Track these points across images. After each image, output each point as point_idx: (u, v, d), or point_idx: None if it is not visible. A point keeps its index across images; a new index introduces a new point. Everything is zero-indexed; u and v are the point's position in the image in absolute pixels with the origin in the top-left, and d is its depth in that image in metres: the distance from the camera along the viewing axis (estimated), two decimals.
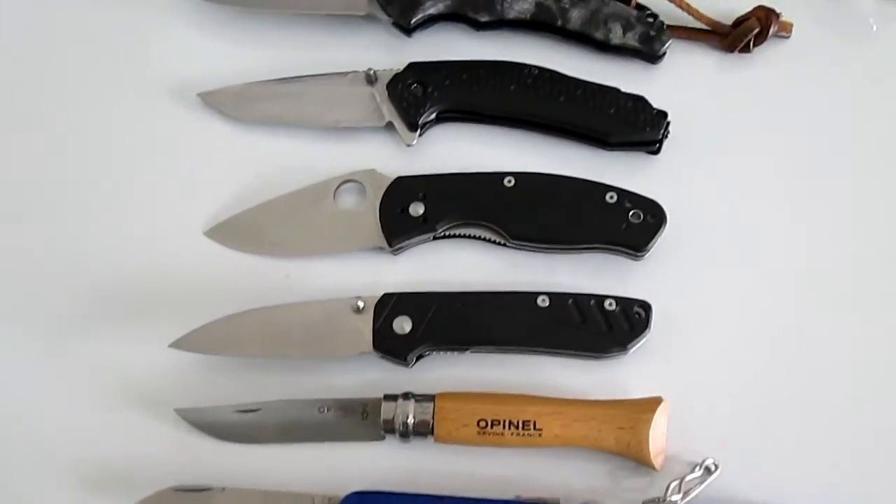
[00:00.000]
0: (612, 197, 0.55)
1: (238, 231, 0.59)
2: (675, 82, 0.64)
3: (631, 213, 0.55)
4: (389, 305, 0.53)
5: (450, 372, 0.55)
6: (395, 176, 0.58)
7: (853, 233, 0.59)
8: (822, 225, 0.59)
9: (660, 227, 0.55)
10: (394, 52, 0.65)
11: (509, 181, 0.57)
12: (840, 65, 0.65)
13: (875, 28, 0.67)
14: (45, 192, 0.62)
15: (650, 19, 0.63)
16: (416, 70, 0.61)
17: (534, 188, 0.56)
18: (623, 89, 0.61)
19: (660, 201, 0.57)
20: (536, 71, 0.61)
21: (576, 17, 0.63)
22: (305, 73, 0.64)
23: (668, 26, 0.64)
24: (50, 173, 0.62)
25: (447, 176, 0.58)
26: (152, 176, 0.62)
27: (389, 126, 0.61)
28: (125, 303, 0.58)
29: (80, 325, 0.58)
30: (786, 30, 0.64)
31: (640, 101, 0.59)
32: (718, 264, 0.58)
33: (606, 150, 0.60)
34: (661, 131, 0.58)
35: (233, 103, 0.62)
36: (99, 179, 0.62)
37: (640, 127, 0.58)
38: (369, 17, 0.64)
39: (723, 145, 0.62)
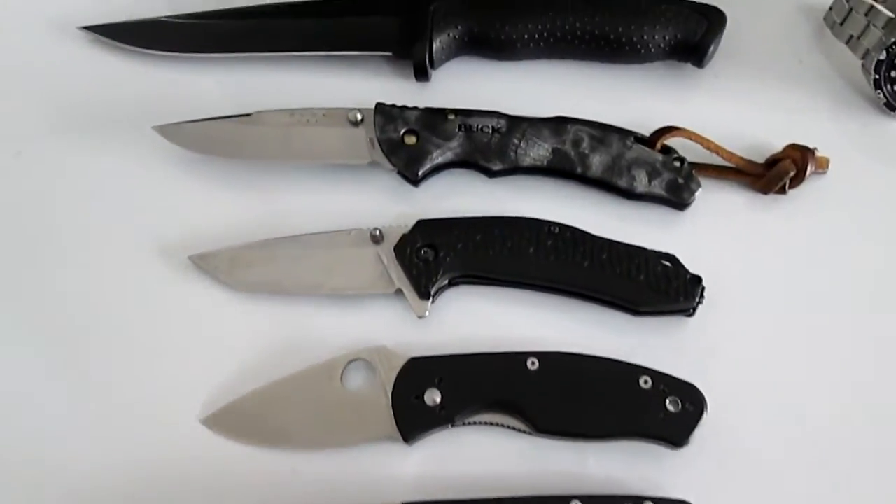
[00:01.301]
0: (646, 381, 0.51)
1: (237, 419, 0.54)
2: (704, 227, 0.59)
3: (668, 400, 0.50)
4: None
5: None
6: (407, 354, 0.53)
7: None
8: (878, 382, 0.55)
9: (700, 417, 0.50)
10: (400, 199, 0.61)
11: (533, 363, 0.52)
12: (881, 196, 0.61)
13: None
14: (30, 371, 0.56)
15: (677, 163, 0.58)
16: (425, 230, 0.56)
17: (560, 371, 0.52)
18: (648, 236, 0.57)
19: (696, 369, 0.53)
20: (557, 229, 0.56)
21: (596, 163, 0.58)
22: (304, 226, 0.58)
23: (696, 165, 0.59)
24: (20, 346, 0.57)
25: (465, 358, 0.53)
26: (142, 353, 0.57)
27: (399, 292, 0.56)
28: (115, 501, 0.52)
29: None
30: (822, 166, 0.60)
31: (671, 264, 0.54)
32: (765, 444, 0.53)
33: (636, 316, 0.55)
34: (696, 299, 0.53)
35: (227, 268, 0.57)
36: (79, 356, 0.57)
37: (672, 296, 0.53)
38: (373, 164, 0.59)
39: (762, 297, 0.57)
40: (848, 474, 0.52)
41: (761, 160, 0.60)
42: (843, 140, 0.62)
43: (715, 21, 0.61)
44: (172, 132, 0.60)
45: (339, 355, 0.54)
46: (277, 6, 0.66)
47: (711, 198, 0.59)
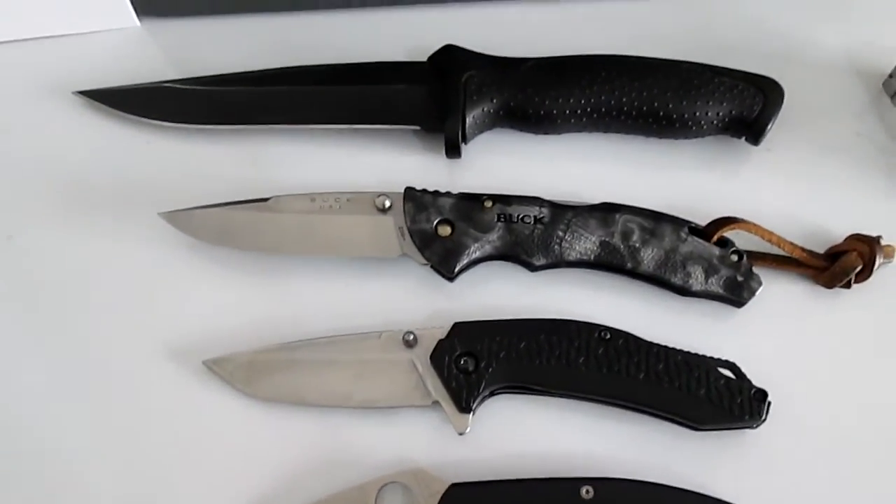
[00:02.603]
0: None
1: None
2: (764, 324, 0.55)
3: None
4: None
5: None
6: (447, 478, 0.49)
7: None
8: None
9: None
10: (434, 292, 0.56)
11: (588, 492, 0.47)
12: None
13: None
14: (26, 483, 0.51)
15: (735, 257, 0.53)
16: (464, 335, 0.51)
17: (617, 501, 0.47)
18: (702, 333, 0.53)
19: (760, 485, 0.49)
20: (608, 335, 0.51)
21: (648, 258, 0.53)
22: (328, 324, 0.53)
23: (753, 254, 0.55)
24: (18, 457, 0.52)
25: (512, 485, 0.48)
26: (153, 471, 0.52)
27: (436, 403, 0.51)
28: None
29: None
30: (889, 256, 0.55)
31: (734, 377, 0.50)
32: None
33: (695, 431, 0.50)
34: (761, 417, 0.49)
35: (244, 376, 0.52)
36: (84, 471, 0.52)
37: (736, 413, 0.49)
38: (404, 256, 0.54)
39: (827, 403, 0.53)
40: None
41: (820, 247, 0.56)
42: None
43: (772, 96, 0.56)
44: (181, 220, 0.55)
45: (373, 479, 0.50)
46: (293, 72, 0.61)
47: (770, 291, 0.55)
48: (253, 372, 0.52)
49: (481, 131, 0.59)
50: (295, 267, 0.56)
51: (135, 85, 0.61)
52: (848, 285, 0.55)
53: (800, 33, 0.64)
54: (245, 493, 0.51)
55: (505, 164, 0.60)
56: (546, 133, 0.59)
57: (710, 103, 0.56)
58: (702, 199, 0.57)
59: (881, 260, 0.54)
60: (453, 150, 0.58)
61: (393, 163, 0.59)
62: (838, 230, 0.57)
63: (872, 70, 0.62)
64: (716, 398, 0.49)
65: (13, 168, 0.60)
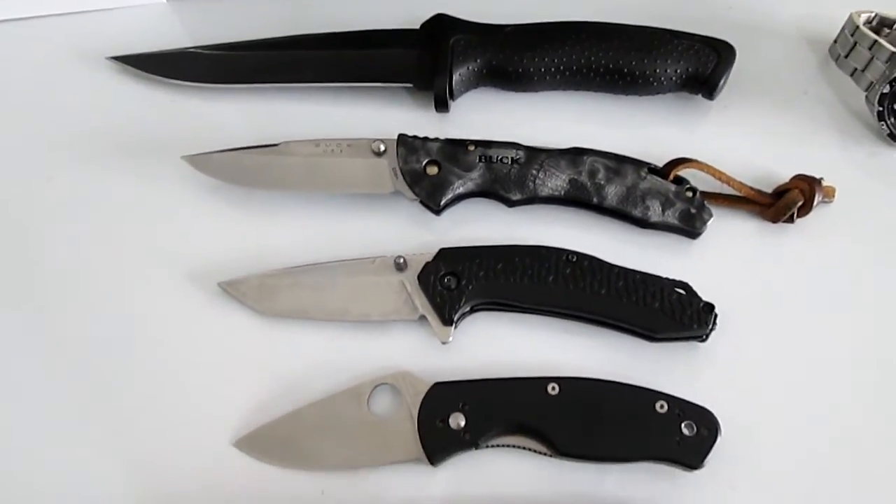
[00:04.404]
0: (662, 406, 0.53)
1: (268, 442, 0.56)
2: (715, 254, 0.62)
3: (683, 424, 0.52)
4: None
5: None
6: (431, 379, 0.55)
7: None
8: (887, 407, 0.57)
9: (714, 440, 0.52)
10: (422, 226, 0.63)
11: (553, 388, 0.54)
12: (886, 224, 0.63)
13: None
14: (53, 392, 0.59)
15: (689, 194, 0.60)
16: (448, 258, 0.58)
17: (579, 396, 0.54)
18: (661, 263, 0.60)
19: (709, 393, 0.55)
20: (575, 258, 0.58)
21: (612, 194, 0.60)
22: (329, 252, 0.60)
23: (707, 194, 0.61)
24: (55, 373, 0.59)
25: (487, 383, 0.55)
26: (174, 377, 0.59)
27: (422, 318, 0.58)
28: None
29: None
30: (829, 195, 0.62)
31: (685, 293, 0.56)
32: (779, 466, 0.55)
33: (651, 342, 0.57)
34: (709, 326, 0.55)
35: (255, 295, 0.59)
36: (114, 383, 0.59)
37: (686, 323, 0.56)
38: (396, 194, 0.61)
39: (772, 323, 0.59)
40: (862, 496, 0.54)
41: (770, 190, 0.62)
42: (848, 169, 0.64)
43: (725, 55, 0.63)
44: (201, 162, 0.62)
45: (366, 380, 0.56)
46: (301, 38, 0.68)
47: (722, 226, 0.62)
48: (262, 292, 0.59)
49: (467, 89, 0.66)
50: (300, 204, 0.63)
51: (161, 51, 0.69)
52: (791, 220, 0.61)
53: (754, 4, 0.71)
54: (256, 395, 0.58)
55: (488, 119, 0.67)
56: (524, 91, 0.67)
57: (669, 62, 0.63)
58: (665, 151, 0.64)
59: (820, 198, 0.61)
60: (442, 105, 0.65)
61: (388, 117, 0.67)
62: (786, 176, 0.63)
63: (820, 37, 0.70)
64: (669, 311, 0.56)
65: (54, 122, 0.68)
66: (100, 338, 0.60)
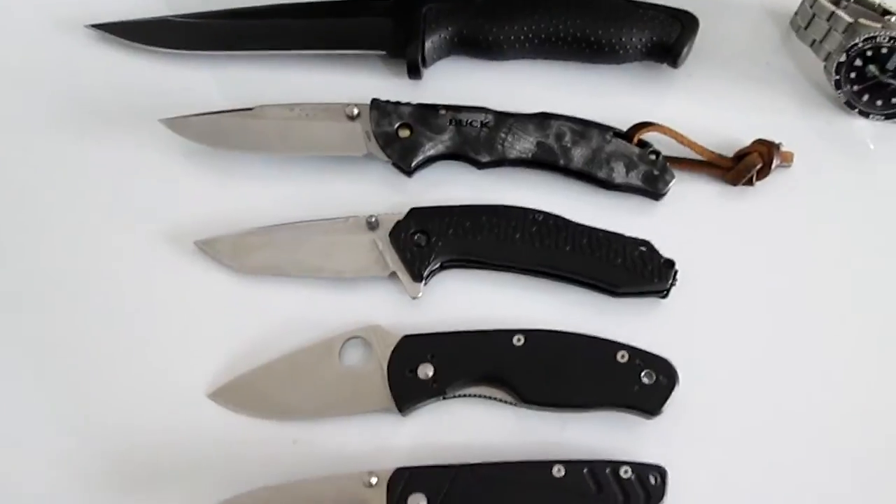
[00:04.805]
0: (623, 356, 0.55)
1: (242, 393, 0.57)
2: (678, 216, 0.63)
3: (643, 373, 0.55)
4: (403, 482, 0.52)
5: None
6: (401, 332, 0.57)
7: (870, 366, 0.59)
8: (836, 361, 0.60)
9: (672, 388, 0.54)
10: (394, 189, 0.64)
11: (518, 340, 0.56)
12: (841, 188, 0.65)
13: (872, 147, 0.67)
14: (35, 348, 0.60)
15: (653, 157, 0.62)
16: (418, 217, 0.60)
17: (543, 347, 0.56)
18: (626, 224, 0.61)
19: (670, 346, 0.57)
20: (541, 217, 0.60)
21: (578, 156, 0.62)
22: (304, 214, 0.62)
23: (670, 158, 0.64)
24: (35, 332, 0.61)
25: (455, 335, 0.57)
26: (151, 332, 0.60)
27: (393, 275, 0.59)
28: (127, 475, 0.56)
29: (80, 500, 0.55)
30: (787, 160, 0.64)
31: (647, 249, 0.59)
32: (734, 415, 0.57)
33: (614, 297, 0.59)
34: (669, 281, 0.58)
35: (230, 253, 0.61)
36: (94, 337, 0.60)
37: (647, 277, 0.58)
38: (369, 157, 0.63)
39: (731, 281, 0.61)
40: (817, 444, 0.57)
41: (731, 155, 0.65)
42: (807, 136, 0.66)
43: (688, 25, 0.65)
44: (179, 125, 0.63)
45: (338, 334, 0.58)
46: (276, 7, 0.70)
47: (684, 189, 0.64)
48: (237, 250, 0.61)
49: (439, 57, 0.68)
50: (275, 167, 0.65)
51: (139, 19, 0.70)
52: (751, 182, 0.64)
53: None
54: (231, 350, 0.59)
55: (459, 86, 0.69)
56: (495, 59, 0.68)
57: (634, 30, 0.65)
58: (631, 118, 0.65)
59: (778, 161, 0.64)
60: (414, 72, 0.67)
61: (361, 85, 0.68)
62: (746, 142, 0.65)
63: (781, 9, 0.72)
64: (630, 266, 0.58)
65: (34, 89, 0.69)
66: (78, 295, 0.61)
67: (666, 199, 0.63)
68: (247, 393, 0.57)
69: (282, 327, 0.60)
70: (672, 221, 0.63)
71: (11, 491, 0.56)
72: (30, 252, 0.63)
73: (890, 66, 0.63)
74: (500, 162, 0.63)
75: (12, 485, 0.56)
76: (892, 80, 0.64)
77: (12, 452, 0.57)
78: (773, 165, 0.63)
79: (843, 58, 0.65)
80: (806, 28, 0.68)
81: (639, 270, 0.58)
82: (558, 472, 0.52)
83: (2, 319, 0.61)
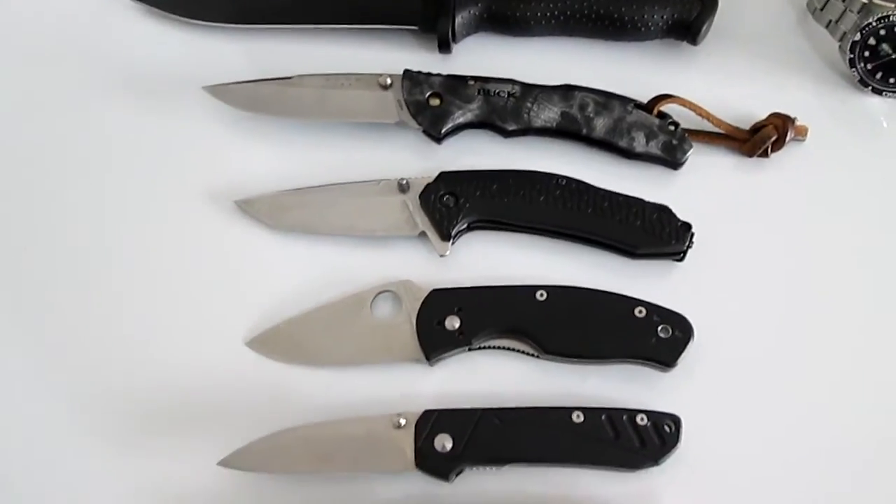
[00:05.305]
0: (640, 311, 0.58)
1: (278, 342, 0.60)
2: (696, 186, 0.66)
3: (659, 327, 0.57)
4: (430, 423, 0.55)
5: (489, 486, 0.57)
6: (429, 287, 0.60)
7: (879, 332, 0.62)
8: (849, 325, 0.62)
9: (687, 342, 0.57)
10: (424, 157, 0.67)
11: (541, 295, 0.59)
12: (854, 163, 0.68)
13: (885, 125, 0.69)
14: (82, 304, 0.64)
15: (672, 127, 0.65)
16: (447, 180, 0.63)
17: (565, 302, 0.59)
18: (645, 193, 0.64)
19: (685, 307, 0.59)
20: (564, 182, 0.63)
21: (600, 125, 0.65)
22: (338, 179, 0.65)
23: (688, 131, 0.66)
24: (86, 283, 0.64)
25: (481, 289, 0.60)
26: (193, 286, 0.63)
27: (422, 235, 0.63)
28: (169, 417, 0.59)
29: (124, 442, 0.59)
30: (801, 134, 0.67)
31: (665, 213, 0.61)
32: (745, 371, 0.60)
33: (633, 259, 0.62)
34: (686, 243, 0.60)
35: (268, 211, 0.64)
36: (143, 287, 0.64)
37: (665, 239, 0.60)
38: (400, 124, 0.66)
39: (745, 248, 0.64)
40: (821, 400, 0.60)
41: (747, 128, 0.67)
42: (822, 113, 0.69)
43: (708, 4, 0.68)
44: (221, 92, 0.67)
45: (369, 288, 0.61)
46: None
47: (701, 160, 0.66)
48: (275, 209, 0.64)
49: (468, 33, 0.71)
50: (311, 132, 0.68)
51: None
52: (766, 154, 0.66)
53: None
54: (268, 302, 0.62)
55: (487, 61, 0.72)
56: (521, 36, 0.72)
57: (656, 8, 0.68)
58: (651, 92, 0.68)
59: (793, 135, 0.66)
60: (445, 46, 0.70)
61: (393, 59, 0.71)
62: (762, 116, 0.68)
63: None
64: (649, 228, 0.61)
65: (83, 60, 0.73)
66: (128, 249, 0.65)
67: (684, 168, 0.66)
68: (283, 341, 0.60)
69: (316, 282, 0.63)
70: (689, 190, 0.66)
71: (60, 430, 0.60)
72: (85, 211, 0.66)
73: None
74: (526, 130, 0.66)
75: (58, 423, 0.60)
76: None
77: (66, 391, 0.61)
78: (788, 138, 0.65)
79: (857, 36, 0.67)
80: (822, 9, 0.71)
81: (657, 232, 0.60)
82: (577, 417, 0.55)
83: (67, 268, 0.65)
